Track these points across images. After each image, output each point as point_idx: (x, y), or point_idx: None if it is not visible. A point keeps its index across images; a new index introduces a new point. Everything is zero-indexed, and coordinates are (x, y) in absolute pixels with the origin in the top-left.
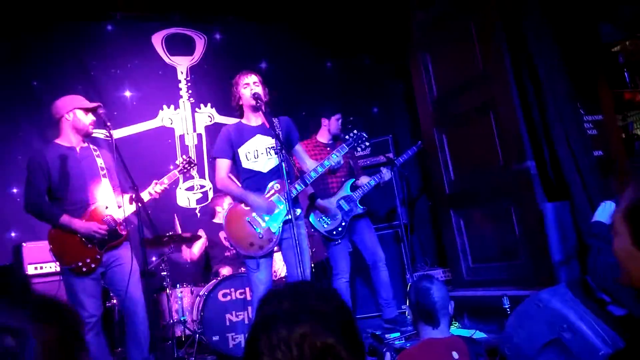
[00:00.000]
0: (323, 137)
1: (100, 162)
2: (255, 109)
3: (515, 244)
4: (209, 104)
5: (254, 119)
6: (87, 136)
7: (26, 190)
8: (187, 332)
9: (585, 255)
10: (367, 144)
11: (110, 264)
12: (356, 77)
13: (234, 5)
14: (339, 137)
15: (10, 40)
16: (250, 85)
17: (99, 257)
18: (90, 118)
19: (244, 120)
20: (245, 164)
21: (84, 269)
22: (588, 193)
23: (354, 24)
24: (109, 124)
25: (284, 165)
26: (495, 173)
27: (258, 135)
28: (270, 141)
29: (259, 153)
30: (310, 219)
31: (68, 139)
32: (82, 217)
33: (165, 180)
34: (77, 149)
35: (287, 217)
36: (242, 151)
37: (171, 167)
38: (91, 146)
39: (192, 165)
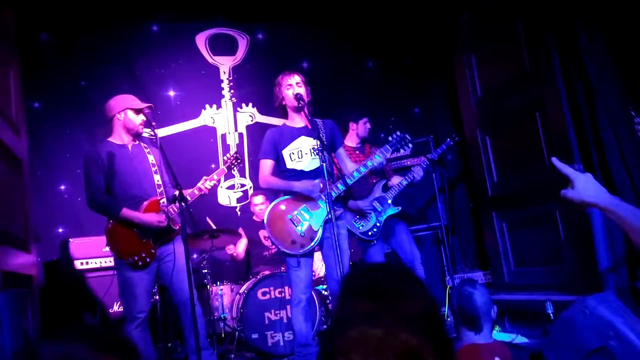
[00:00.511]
0: (351, 141)
1: (151, 158)
2: (297, 109)
3: (559, 248)
4: (250, 104)
5: (298, 120)
6: (137, 135)
7: (86, 187)
8: (227, 329)
9: (635, 262)
10: (410, 145)
11: (164, 258)
12: (398, 77)
13: (276, 6)
14: (367, 139)
15: (60, 41)
16: (293, 86)
17: (153, 251)
18: (140, 118)
19: (288, 122)
20: (289, 164)
21: (140, 263)
22: (638, 198)
23: (396, 24)
24: (154, 123)
25: (325, 166)
26: (540, 175)
27: (302, 137)
28: (313, 142)
29: (303, 153)
30: None
31: (120, 138)
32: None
33: (215, 176)
34: (129, 146)
35: (328, 217)
36: (286, 152)
37: (212, 165)
38: (142, 144)
39: (239, 161)
